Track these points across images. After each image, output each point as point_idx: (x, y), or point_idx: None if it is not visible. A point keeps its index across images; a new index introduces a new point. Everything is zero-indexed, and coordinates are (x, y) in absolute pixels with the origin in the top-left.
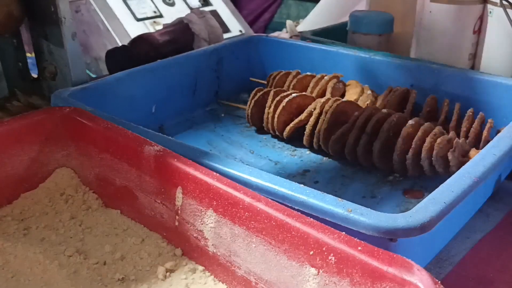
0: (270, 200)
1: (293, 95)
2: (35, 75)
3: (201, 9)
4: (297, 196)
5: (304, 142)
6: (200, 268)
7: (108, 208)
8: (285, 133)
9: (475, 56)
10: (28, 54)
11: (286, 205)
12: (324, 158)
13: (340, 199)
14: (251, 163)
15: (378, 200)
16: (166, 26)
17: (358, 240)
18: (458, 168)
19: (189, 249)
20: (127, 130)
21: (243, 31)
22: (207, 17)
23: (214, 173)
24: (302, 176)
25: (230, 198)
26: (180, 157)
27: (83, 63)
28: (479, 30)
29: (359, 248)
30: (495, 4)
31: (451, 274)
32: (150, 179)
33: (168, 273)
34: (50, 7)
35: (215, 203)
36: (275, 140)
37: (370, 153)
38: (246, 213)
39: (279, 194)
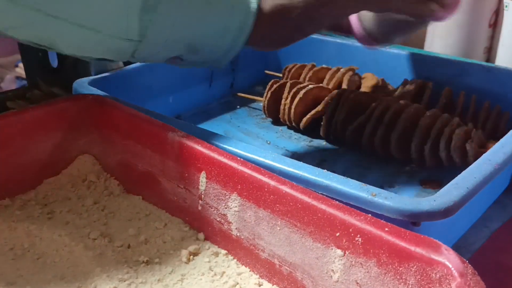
0: (294, 183)
1: (310, 86)
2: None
3: None
4: (320, 180)
5: (321, 133)
6: (223, 251)
7: (130, 194)
8: (301, 124)
9: (490, 50)
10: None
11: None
12: (341, 149)
13: (363, 183)
14: None
15: (395, 190)
16: None
17: (384, 222)
18: (476, 158)
19: (211, 233)
20: (150, 117)
21: None
22: None
23: (238, 158)
24: (319, 166)
25: (255, 182)
26: (204, 142)
27: None
28: (495, 24)
29: (386, 229)
30: None
31: (470, 261)
32: (173, 165)
33: (191, 256)
34: None
35: (239, 187)
36: (291, 131)
37: (388, 144)
38: (271, 196)
39: (303, 179)
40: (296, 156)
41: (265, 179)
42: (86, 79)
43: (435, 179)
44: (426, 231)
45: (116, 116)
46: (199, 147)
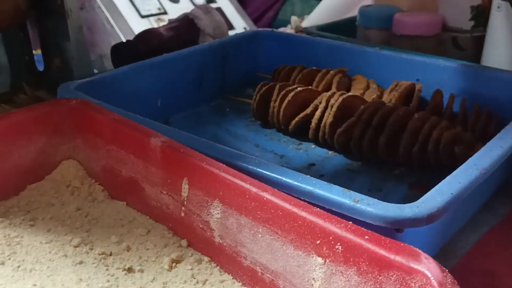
0: (276, 190)
1: (299, 89)
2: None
3: (208, 5)
4: (303, 186)
5: (310, 136)
6: (206, 259)
7: (114, 200)
8: (290, 127)
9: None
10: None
11: (293, 196)
12: (330, 152)
13: (346, 189)
14: (257, 157)
15: (384, 194)
16: (171, 21)
17: (364, 229)
18: (465, 162)
19: (195, 240)
20: (134, 121)
21: (248, 29)
22: (212, 13)
23: (220, 164)
24: (307, 170)
25: (237, 188)
26: (186, 148)
27: (89, 56)
28: None
29: (366, 237)
30: None
31: (457, 266)
32: (156, 170)
33: (173, 264)
34: (57, 0)
35: (221, 194)
36: (280, 134)
37: (376, 147)
38: (253, 203)
39: (286, 185)
40: (285, 159)
41: (246, 185)
42: (71, 83)
43: (424, 182)
44: (410, 237)
45: (99, 121)
46: (181, 153)
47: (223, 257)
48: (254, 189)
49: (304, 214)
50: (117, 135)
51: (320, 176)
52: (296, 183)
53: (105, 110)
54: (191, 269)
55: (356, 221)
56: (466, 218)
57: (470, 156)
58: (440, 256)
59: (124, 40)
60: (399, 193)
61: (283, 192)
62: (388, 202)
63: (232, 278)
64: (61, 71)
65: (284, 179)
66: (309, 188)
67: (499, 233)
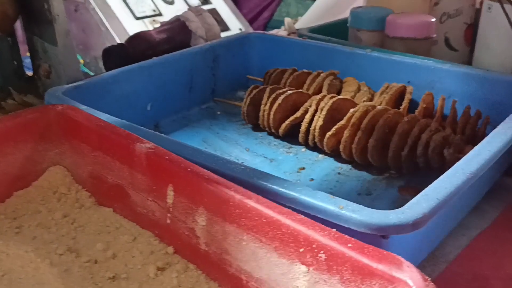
0: (260, 197)
1: (289, 92)
2: (30, 73)
3: (200, 7)
4: (288, 193)
5: (300, 140)
6: (192, 266)
7: (101, 206)
8: (280, 131)
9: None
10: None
11: (278, 202)
12: (320, 155)
13: (331, 196)
14: (246, 161)
15: (373, 197)
16: (163, 24)
17: (348, 237)
18: (454, 164)
19: (181, 247)
20: (119, 127)
21: (243, 29)
22: (204, 15)
23: (205, 171)
24: (297, 173)
25: (221, 196)
26: (171, 154)
27: (77, 61)
28: None
29: (349, 245)
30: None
31: (446, 271)
32: (142, 177)
33: (159, 271)
34: (44, 5)
35: (206, 201)
36: (271, 137)
37: (365, 150)
38: (237, 210)
39: (271, 191)
40: (275, 163)
41: (230, 192)
42: (58, 89)
43: (414, 185)
44: (397, 243)
45: (85, 127)
46: (166, 159)
47: (209, 265)
48: (238, 196)
49: (287, 221)
50: (103, 141)
51: (310, 180)
52: (281, 189)
53: (91, 116)
54: (177, 276)
55: (341, 228)
56: (455, 221)
57: (460, 158)
58: (429, 260)
59: (118, 42)
60: (389, 196)
61: (269, 198)
62: (377, 205)
63: (218, 286)
64: (49, 76)
65: (269, 185)
66: (294, 194)
67: (488, 236)
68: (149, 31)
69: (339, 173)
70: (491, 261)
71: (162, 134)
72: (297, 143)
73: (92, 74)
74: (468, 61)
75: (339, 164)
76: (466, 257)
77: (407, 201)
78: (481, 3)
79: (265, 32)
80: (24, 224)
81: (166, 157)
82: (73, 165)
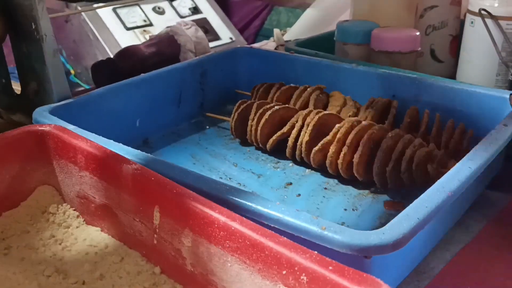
0: (245, 219)
1: (276, 107)
2: (18, 90)
3: (191, 17)
4: (272, 213)
5: (287, 155)
6: (179, 286)
7: (89, 226)
8: (268, 146)
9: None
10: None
11: (262, 223)
12: (307, 170)
13: (314, 216)
14: (234, 177)
15: (359, 212)
16: (152, 37)
17: (329, 259)
18: (438, 180)
19: (167, 267)
20: (106, 148)
21: (234, 39)
22: (192, 28)
23: (191, 192)
24: (284, 189)
25: (206, 217)
26: (157, 175)
27: (65, 80)
28: None
29: (330, 267)
30: (476, 14)
31: (429, 286)
32: (128, 198)
33: None
34: (31, 25)
35: (191, 222)
36: (259, 152)
37: (351, 165)
38: (222, 233)
39: (255, 212)
40: (262, 179)
41: (215, 214)
42: (46, 107)
43: (399, 199)
44: (379, 262)
45: (72, 147)
46: (152, 180)
47: (195, 285)
48: (222, 218)
49: (270, 244)
50: (89, 161)
51: (297, 196)
52: (265, 210)
53: (78, 136)
54: None
55: (324, 248)
56: (439, 237)
57: (444, 173)
58: (413, 276)
59: (110, 53)
60: (374, 211)
61: (253, 219)
62: (363, 221)
63: None
64: (37, 94)
65: (253, 206)
66: (277, 215)
67: (472, 251)
68: (138, 45)
69: (325, 188)
70: (475, 276)
71: (149, 154)
72: (284, 157)
73: (83, 84)
74: (454, 72)
75: (326, 179)
76: (450, 272)
77: (393, 216)
78: (465, 15)
79: (253, 46)
80: (12, 244)
81: (153, 178)
82: (61, 184)
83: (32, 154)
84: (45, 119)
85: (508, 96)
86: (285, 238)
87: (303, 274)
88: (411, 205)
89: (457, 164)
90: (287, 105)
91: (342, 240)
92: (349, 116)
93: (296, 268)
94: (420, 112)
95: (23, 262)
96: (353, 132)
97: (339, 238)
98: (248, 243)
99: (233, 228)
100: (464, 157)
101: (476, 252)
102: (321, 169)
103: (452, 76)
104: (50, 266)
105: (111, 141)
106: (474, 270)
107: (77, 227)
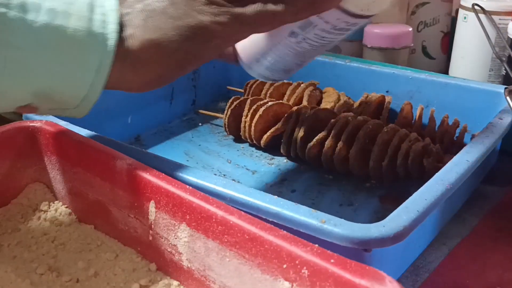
0: (243, 213)
1: (270, 103)
2: None
3: None
4: (271, 207)
5: (282, 151)
6: (175, 283)
7: (82, 223)
8: (262, 142)
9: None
10: None
11: (260, 217)
12: (302, 166)
13: (314, 210)
14: (228, 173)
15: (355, 207)
16: None
17: (330, 252)
18: (434, 174)
19: (163, 264)
20: (99, 143)
21: None
22: None
23: (187, 187)
24: (279, 185)
25: (203, 212)
26: (152, 170)
27: None
28: None
29: (332, 260)
30: (469, 9)
31: (427, 281)
32: (123, 193)
33: None
34: None
35: (188, 217)
36: (253, 148)
37: (347, 161)
38: (219, 227)
39: (253, 206)
40: (257, 175)
41: (213, 209)
42: None
43: (395, 194)
44: (379, 255)
45: (64, 143)
46: (147, 175)
47: (192, 281)
48: (220, 213)
49: (270, 237)
50: (82, 157)
51: (292, 192)
52: (263, 204)
53: (70, 132)
54: None
55: (324, 242)
56: (436, 231)
57: (439, 168)
58: (411, 271)
59: None
60: (370, 206)
61: (251, 213)
62: (360, 215)
63: None
64: None
65: (251, 200)
66: (276, 209)
67: (469, 244)
68: None
69: (321, 184)
70: (472, 269)
71: (143, 149)
72: (278, 154)
73: None
74: (445, 69)
75: (321, 174)
76: (448, 266)
77: (388, 211)
78: (456, 12)
79: None
80: (4, 243)
81: (147, 173)
82: (52, 181)
83: (23, 150)
84: (36, 116)
85: (502, 91)
86: (285, 231)
87: (304, 268)
88: (410, 198)
89: (455, 157)
90: (281, 101)
91: (342, 233)
92: (343, 112)
93: (297, 262)
94: (414, 107)
95: (15, 260)
96: (349, 128)
97: (339, 231)
98: (247, 237)
99: (231, 222)
100: (462, 150)
101: (473, 245)
102: (316, 164)
103: (444, 73)
104: (42, 264)
105: (104, 136)
106: (471, 263)
107: (69, 224)
